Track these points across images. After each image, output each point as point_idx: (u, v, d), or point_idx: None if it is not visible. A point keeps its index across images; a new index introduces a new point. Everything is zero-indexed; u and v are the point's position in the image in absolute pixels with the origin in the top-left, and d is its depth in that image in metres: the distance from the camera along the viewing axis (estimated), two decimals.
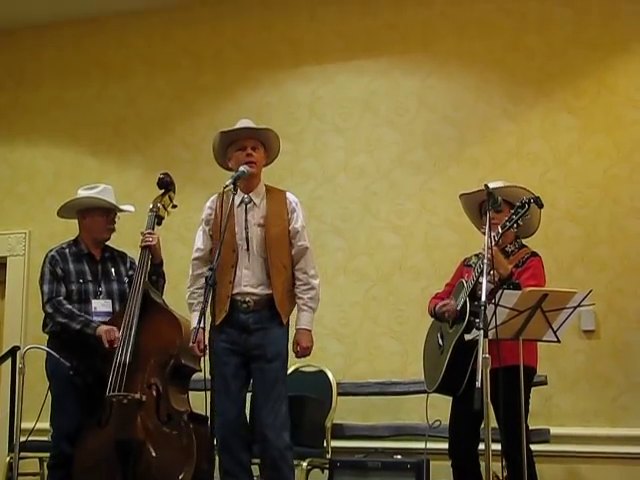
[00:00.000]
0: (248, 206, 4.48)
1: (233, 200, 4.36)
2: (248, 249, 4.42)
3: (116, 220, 5.01)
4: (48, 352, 4.66)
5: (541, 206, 4.31)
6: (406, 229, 6.03)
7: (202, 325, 4.13)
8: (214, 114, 6.51)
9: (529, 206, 4.24)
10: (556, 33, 5.93)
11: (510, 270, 4.35)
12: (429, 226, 5.99)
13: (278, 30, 6.51)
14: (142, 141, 6.69)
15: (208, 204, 4.60)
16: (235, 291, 4.40)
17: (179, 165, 6.45)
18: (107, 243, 5.02)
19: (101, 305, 4.83)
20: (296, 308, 4.51)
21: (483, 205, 4.57)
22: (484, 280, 3.88)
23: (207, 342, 4.32)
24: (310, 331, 4.46)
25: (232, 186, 4.29)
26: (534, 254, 4.56)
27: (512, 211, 4.27)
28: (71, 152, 6.85)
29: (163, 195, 5.02)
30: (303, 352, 4.46)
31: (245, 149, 4.48)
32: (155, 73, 6.76)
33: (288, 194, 4.59)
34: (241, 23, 6.60)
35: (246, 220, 4.45)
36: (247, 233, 4.43)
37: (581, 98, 5.84)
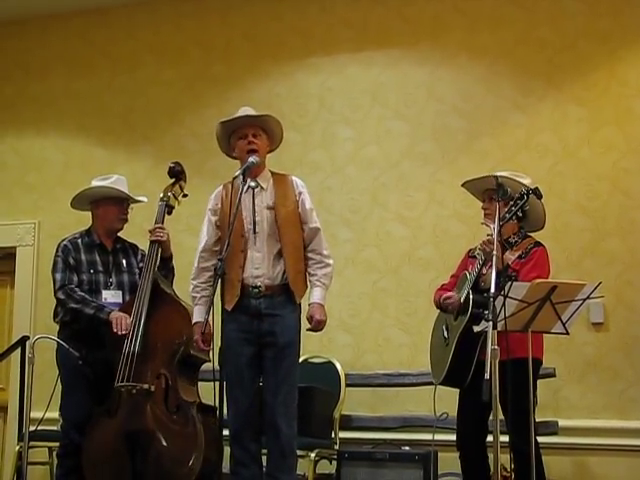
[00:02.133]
0: (255, 191, 4.48)
1: (242, 189, 4.33)
2: (256, 232, 4.42)
3: (129, 211, 5.02)
4: (57, 342, 4.67)
5: (540, 197, 4.30)
6: (415, 220, 6.03)
7: (207, 317, 4.15)
8: (223, 105, 6.49)
9: (528, 197, 4.23)
10: (567, 25, 5.91)
11: (505, 263, 4.33)
12: (438, 218, 5.98)
13: (288, 21, 6.50)
14: (151, 132, 6.69)
15: (214, 194, 4.63)
16: (245, 275, 4.40)
17: (188, 156, 6.43)
18: (119, 234, 5.03)
19: (111, 296, 4.84)
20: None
21: (485, 193, 4.62)
22: (493, 272, 3.88)
23: (217, 331, 4.32)
24: (323, 306, 4.45)
25: (241, 177, 4.30)
26: (538, 244, 4.55)
27: (511, 202, 4.26)
28: (80, 142, 6.85)
29: (174, 184, 5.02)
30: (317, 325, 4.42)
31: (246, 137, 4.51)
32: (164, 64, 6.75)
33: (294, 177, 4.63)
34: (251, 14, 6.59)
35: (254, 204, 4.46)
36: (255, 217, 4.43)
37: (591, 90, 5.82)
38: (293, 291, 4.42)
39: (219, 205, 4.55)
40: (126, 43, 6.87)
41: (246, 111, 4.58)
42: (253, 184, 4.46)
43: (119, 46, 6.88)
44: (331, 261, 4.54)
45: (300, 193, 4.55)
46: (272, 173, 4.61)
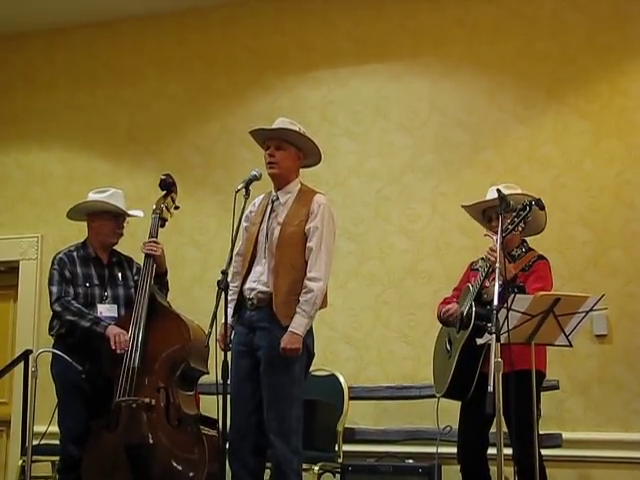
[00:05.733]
0: (275, 204, 4.49)
1: (243, 202, 4.31)
2: (265, 246, 4.42)
3: (125, 225, 5.02)
4: (57, 355, 4.65)
5: (542, 208, 4.29)
6: (417, 233, 6.03)
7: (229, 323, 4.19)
8: (226, 118, 6.53)
9: (531, 208, 4.22)
10: (568, 38, 5.91)
11: (513, 274, 4.33)
12: (440, 230, 5.98)
13: (290, 34, 6.51)
14: (154, 145, 6.70)
15: (254, 200, 4.60)
16: (246, 286, 4.40)
17: (191, 169, 6.48)
18: (115, 247, 5.04)
19: (107, 310, 4.84)
20: None
21: (486, 212, 4.64)
22: (496, 284, 3.88)
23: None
24: (297, 334, 4.24)
25: (244, 190, 4.31)
26: (541, 257, 4.56)
27: (514, 214, 4.26)
28: (84, 156, 6.86)
29: (165, 196, 5.02)
30: (282, 352, 4.23)
31: (268, 149, 4.51)
32: (167, 77, 6.77)
33: (317, 196, 4.50)
34: (253, 27, 6.61)
35: (269, 218, 4.47)
36: (267, 231, 4.44)
37: (593, 102, 5.82)
38: (275, 313, 4.28)
39: (252, 213, 4.57)
40: (130, 56, 6.89)
41: (281, 122, 4.54)
42: (274, 197, 4.50)
43: (123, 59, 6.90)
44: (315, 284, 4.30)
45: (313, 212, 4.40)
46: (300, 189, 4.54)
